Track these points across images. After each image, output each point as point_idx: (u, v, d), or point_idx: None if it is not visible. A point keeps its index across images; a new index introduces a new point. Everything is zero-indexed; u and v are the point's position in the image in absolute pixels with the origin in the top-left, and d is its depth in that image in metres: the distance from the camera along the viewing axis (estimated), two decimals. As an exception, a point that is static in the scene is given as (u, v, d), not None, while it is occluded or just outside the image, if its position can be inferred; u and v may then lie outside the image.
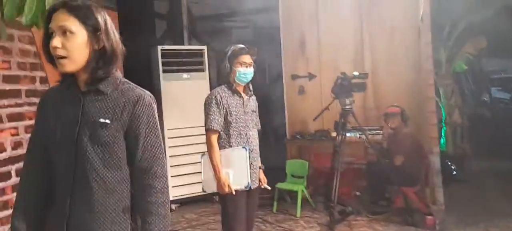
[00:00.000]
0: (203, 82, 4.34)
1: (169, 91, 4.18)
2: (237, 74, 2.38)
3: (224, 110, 2.37)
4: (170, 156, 4.20)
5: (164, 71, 4.15)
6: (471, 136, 5.83)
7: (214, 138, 2.36)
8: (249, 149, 2.36)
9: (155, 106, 1.30)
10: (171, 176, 4.21)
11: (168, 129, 4.18)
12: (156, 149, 1.28)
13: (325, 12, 4.90)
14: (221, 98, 2.37)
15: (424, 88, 3.56)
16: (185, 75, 4.26)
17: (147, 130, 1.26)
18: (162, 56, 4.14)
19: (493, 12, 5.22)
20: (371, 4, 4.66)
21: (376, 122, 4.49)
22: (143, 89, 1.30)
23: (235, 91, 2.42)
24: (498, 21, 5.40)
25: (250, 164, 2.38)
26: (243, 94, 2.45)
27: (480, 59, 7.15)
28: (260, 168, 2.54)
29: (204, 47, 4.36)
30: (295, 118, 5.01)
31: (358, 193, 4.30)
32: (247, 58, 2.39)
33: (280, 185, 4.08)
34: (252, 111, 2.50)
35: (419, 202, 3.77)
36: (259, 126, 2.59)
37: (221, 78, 2.45)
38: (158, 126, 1.31)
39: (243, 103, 2.43)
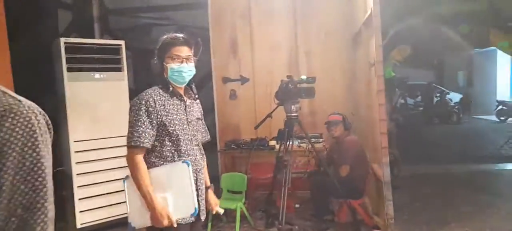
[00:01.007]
0: (121, 83, 3.61)
1: (77, 94, 3.38)
2: (169, 72, 1.84)
3: (159, 119, 1.80)
4: (77, 174, 3.40)
5: (69, 69, 3.33)
6: (398, 141, 5.88)
7: (139, 157, 1.77)
8: (191, 166, 1.82)
9: (39, 127, 0.76)
10: (79, 199, 3.42)
11: (74, 141, 3.38)
12: (30, 205, 0.73)
13: (258, 11, 4.52)
14: (155, 103, 1.80)
15: (372, 95, 3.31)
16: (97, 75, 3.50)
17: (17, 173, 0.71)
18: (66, 51, 3.33)
19: (418, 21, 5.34)
20: (305, 4, 4.40)
21: (314, 129, 4.24)
22: (21, 98, 0.76)
23: (173, 94, 1.87)
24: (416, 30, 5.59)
25: (197, 186, 1.85)
26: (184, 97, 1.91)
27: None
28: (208, 188, 2.01)
29: (122, 42, 3.64)
30: (227, 125, 4.53)
31: (297, 206, 3.95)
32: (182, 51, 1.86)
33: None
34: (197, 119, 1.97)
35: (365, 215, 3.51)
36: (208, 136, 2.08)
37: (156, 78, 1.90)
38: (41, 161, 0.76)
39: (185, 108, 1.90)
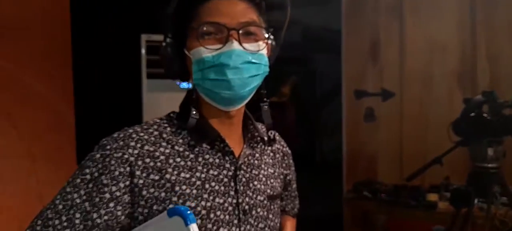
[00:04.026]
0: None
1: (157, 106, 2.56)
2: (195, 70, 0.77)
3: (145, 207, 0.75)
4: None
5: (149, 75, 2.54)
6: None
7: None
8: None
9: None
10: None
11: None
12: None
13: (414, 1, 3.17)
14: (127, 162, 0.75)
15: None
16: (184, 83, 2.61)
17: None
18: (148, 52, 2.53)
19: None
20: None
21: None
22: None
23: (200, 134, 0.80)
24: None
25: None
26: (232, 143, 0.83)
27: None
28: None
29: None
30: (359, 158, 3.25)
31: None
32: (231, 9, 0.76)
33: None
34: (270, 196, 0.85)
35: None
36: (297, 204, 1.02)
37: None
38: None
39: (233, 176, 0.81)
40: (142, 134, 0.76)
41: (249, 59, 0.74)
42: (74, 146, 2.19)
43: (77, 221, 0.70)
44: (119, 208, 0.72)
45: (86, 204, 0.71)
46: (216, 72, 0.73)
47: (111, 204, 0.72)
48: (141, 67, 2.51)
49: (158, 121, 0.82)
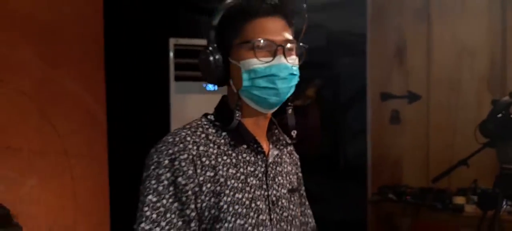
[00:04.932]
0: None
1: (184, 109, 2.63)
2: (245, 79, 0.87)
3: (202, 203, 0.85)
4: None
5: (177, 78, 2.61)
6: None
7: None
8: None
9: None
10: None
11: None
12: None
13: (441, 3, 3.11)
14: (194, 165, 0.84)
15: None
16: (210, 85, 2.68)
17: None
18: (176, 55, 2.61)
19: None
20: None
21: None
22: None
23: (240, 137, 0.91)
24: None
25: None
26: (264, 145, 0.94)
27: None
28: None
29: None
30: (384, 161, 3.22)
31: None
32: (275, 27, 0.88)
33: None
34: (290, 190, 0.97)
35: None
36: (313, 224, 1.06)
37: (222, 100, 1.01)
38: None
39: (265, 171, 0.92)
40: (194, 137, 0.86)
41: (292, 71, 0.87)
42: (105, 144, 2.28)
43: (175, 221, 0.81)
44: (198, 201, 0.82)
45: (176, 204, 0.81)
46: (267, 81, 0.85)
47: (194, 198, 0.82)
48: (169, 70, 2.59)
49: (199, 122, 0.90)
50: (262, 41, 0.84)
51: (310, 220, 1.07)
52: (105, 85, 2.34)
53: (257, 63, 0.84)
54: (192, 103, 2.64)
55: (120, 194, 2.27)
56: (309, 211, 1.08)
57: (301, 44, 0.91)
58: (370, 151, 3.23)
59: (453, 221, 2.44)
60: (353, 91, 3.43)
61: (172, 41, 2.60)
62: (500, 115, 1.71)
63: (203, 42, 2.81)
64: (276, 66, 0.84)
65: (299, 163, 1.08)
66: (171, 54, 2.60)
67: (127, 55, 2.48)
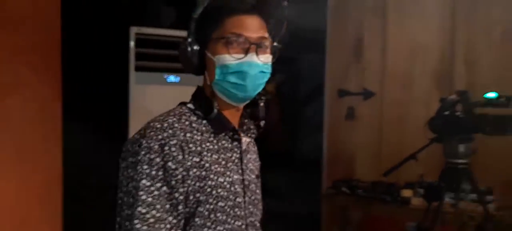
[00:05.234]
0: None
1: (144, 100, 2.58)
2: (217, 73, 0.92)
3: (189, 187, 0.88)
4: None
5: (137, 68, 2.55)
6: None
7: None
8: None
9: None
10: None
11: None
12: None
13: (398, 2, 3.24)
14: (182, 150, 0.88)
15: None
16: (171, 77, 2.65)
17: None
18: (137, 45, 2.55)
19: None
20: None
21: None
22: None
23: (221, 124, 0.96)
24: None
25: None
26: (240, 133, 1.01)
27: None
28: None
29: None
30: (339, 155, 3.34)
31: None
32: (250, 25, 0.91)
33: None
34: (257, 175, 1.06)
35: None
36: (260, 207, 1.08)
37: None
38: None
39: (240, 158, 0.98)
40: (180, 124, 0.89)
41: (262, 69, 0.92)
42: (60, 137, 2.21)
43: (165, 204, 0.84)
44: (185, 185, 0.86)
45: (165, 188, 0.84)
46: (237, 77, 0.89)
47: (181, 183, 0.85)
48: (129, 59, 2.54)
49: (181, 110, 0.94)
50: (235, 38, 0.89)
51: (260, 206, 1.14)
52: (61, 76, 2.26)
53: (229, 59, 0.89)
54: (152, 94, 2.59)
55: (74, 187, 2.22)
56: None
57: (275, 44, 0.97)
58: (326, 146, 3.33)
59: (400, 213, 2.59)
60: (311, 87, 3.51)
61: (133, 30, 2.55)
62: (447, 113, 1.84)
63: (166, 32, 2.80)
64: (247, 63, 0.89)
65: (257, 152, 1.13)
66: (132, 43, 2.55)
67: (85, 43, 2.41)
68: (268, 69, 0.94)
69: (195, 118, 0.93)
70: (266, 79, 0.95)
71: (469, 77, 3.01)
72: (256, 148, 1.11)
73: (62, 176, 2.20)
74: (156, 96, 2.59)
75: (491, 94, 1.74)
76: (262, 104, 1.02)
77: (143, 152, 0.84)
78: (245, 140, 0.99)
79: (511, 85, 2.77)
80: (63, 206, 2.21)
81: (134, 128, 2.50)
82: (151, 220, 0.82)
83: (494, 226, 2.01)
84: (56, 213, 2.18)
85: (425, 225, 1.95)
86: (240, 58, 0.89)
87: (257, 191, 1.03)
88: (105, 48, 2.46)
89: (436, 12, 3.13)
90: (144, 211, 0.82)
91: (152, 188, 0.83)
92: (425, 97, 3.09)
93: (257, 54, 0.90)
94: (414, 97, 3.15)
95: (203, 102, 0.94)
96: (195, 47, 0.92)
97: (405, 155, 2.39)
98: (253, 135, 1.03)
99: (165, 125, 0.87)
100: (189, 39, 0.92)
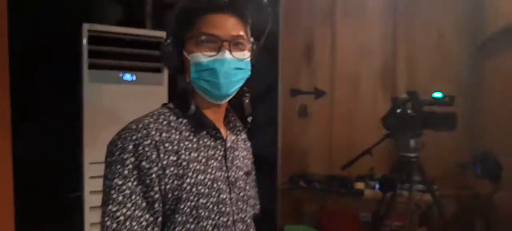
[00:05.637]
0: (158, 89, 2.65)
1: (98, 99, 2.48)
2: (192, 71, 0.93)
3: (165, 186, 0.89)
4: (90, 208, 2.48)
5: (91, 66, 2.44)
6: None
7: None
8: None
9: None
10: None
11: (90, 163, 2.45)
12: None
13: (344, 6, 3.41)
14: (157, 149, 0.89)
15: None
16: (127, 75, 2.58)
17: None
18: (90, 42, 2.44)
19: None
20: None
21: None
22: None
23: (200, 123, 0.97)
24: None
25: None
26: (223, 131, 1.02)
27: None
28: None
29: (165, 35, 2.69)
30: (293, 151, 3.46)
31: None
32: (223, 23, 0.92)
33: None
34: (246, 173, 1.06)
35: None
36: (258, 206, 1.16)
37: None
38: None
39: (224, 155, 0.99)
40: (156, 124, 0.90)
41: (237, 66, 0.92)
42: (9, 138, 2.08)
43: (139, 202, 0.84)
44: (162, 183, 0.86)
45: (140, 186, 0.85)
46: (210, 75, 0.90)
47: (158, 181, 0.86)
48: (82, 57, 2.43)
49: (161, 111, 0.95)
50: (204, 37, 0.90)
51: (257, 202, 1.16)
52: (8, 74, 2.12)
53: (202, 57, 0.90)
54: (107, 93, 2.50)
55: (24, 190, 2.10)
56: (257, 195, 1.17)
57: (250, 40, 0.98)
58: (280, 142, 3.43)
59: (354, 204, 2.75)
60: (265, 86, 3.60)
61: (86, 26, 2.44)
62: (399, 110, 1.99)
63: (120, 29, 2.71)
64: (219, 61, 0.89)
65: (251, 150, 1.16)
66: (85, 40, 2.44)
67: (35, 40, 2.28)
68: (246, 66, 0.95)
69: (174, 117, 0.93)
70: (243, 75, 0.95)
71: (410, 77, 3.28)
72: (248, 144, 1.13)
73: (12, 177, 2.07)
74: (111, 95, 2.51)
75: (438, 94, 1.93)
76: (247, 101, 1.03)
77: (117, 152, 0.85)
78: (230, 137, 1.01)
79: (447, 85, 3.07)
80: (15, 208, 2.08)
81: (88, 127, 2.43)
82: (121, 218, 0.83)
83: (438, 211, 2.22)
84: (8, 217, 2.06)
85: (378, 215, 2.10)
86: (212, 56, 0.90)
87: (247, 187, 1.04)
88: (57, 45, 2.35)
89: (379, 18, 3.36)
90: (114, 209, 0.83)
91: (124, 187, 0.84)
92: (371, 96, 3.32)
93: (230, 51, 0.90)
94: (361, 95, 3.36)
95: (181, 101, 0.96)
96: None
97: (353, 149, 2.55)
98: (239, 132, 1.05)
99: (140, 125, 0.88)
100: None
